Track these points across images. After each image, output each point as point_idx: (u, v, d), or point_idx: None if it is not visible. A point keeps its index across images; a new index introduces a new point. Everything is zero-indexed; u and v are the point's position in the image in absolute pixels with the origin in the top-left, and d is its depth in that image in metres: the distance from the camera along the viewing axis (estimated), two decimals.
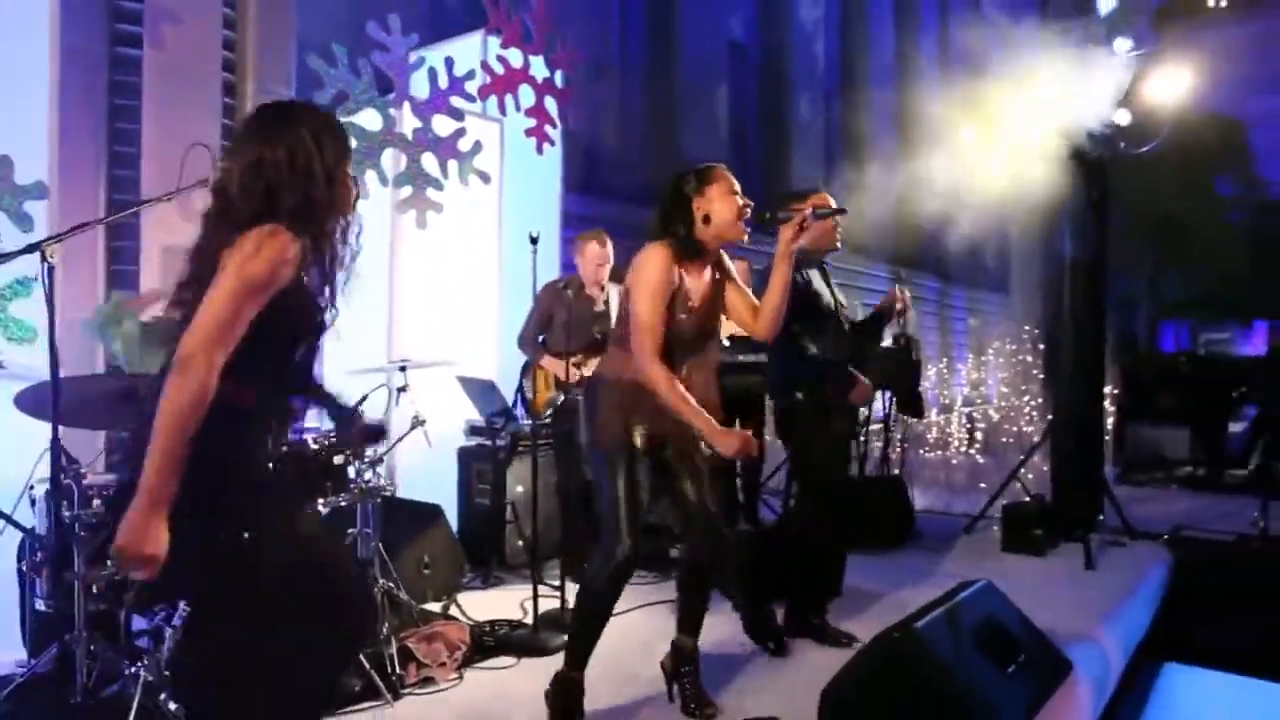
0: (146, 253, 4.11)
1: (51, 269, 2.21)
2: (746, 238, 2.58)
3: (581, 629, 2.54)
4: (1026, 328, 8.92)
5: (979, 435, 8.70)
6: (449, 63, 4.79)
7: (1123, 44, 5.82)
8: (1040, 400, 8.53)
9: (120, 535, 1.52)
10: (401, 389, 3.25)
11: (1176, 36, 6.08)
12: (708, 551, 2.63)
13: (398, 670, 2.83)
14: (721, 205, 2.53)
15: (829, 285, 3.31)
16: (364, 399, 2.99)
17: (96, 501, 2.50)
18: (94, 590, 2.50)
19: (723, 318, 2.68)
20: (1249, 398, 12.71)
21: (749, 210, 2.56)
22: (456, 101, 4.81)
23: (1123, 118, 5.21)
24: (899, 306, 3.49)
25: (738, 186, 2.58)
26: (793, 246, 2.53)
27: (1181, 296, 17.96)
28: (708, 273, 2.59)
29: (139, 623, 2.57)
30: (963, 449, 8.57)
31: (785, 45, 15.46)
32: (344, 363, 3.38)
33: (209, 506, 1.61)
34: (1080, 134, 5.23)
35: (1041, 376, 8.47)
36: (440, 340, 4.58)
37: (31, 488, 2.69)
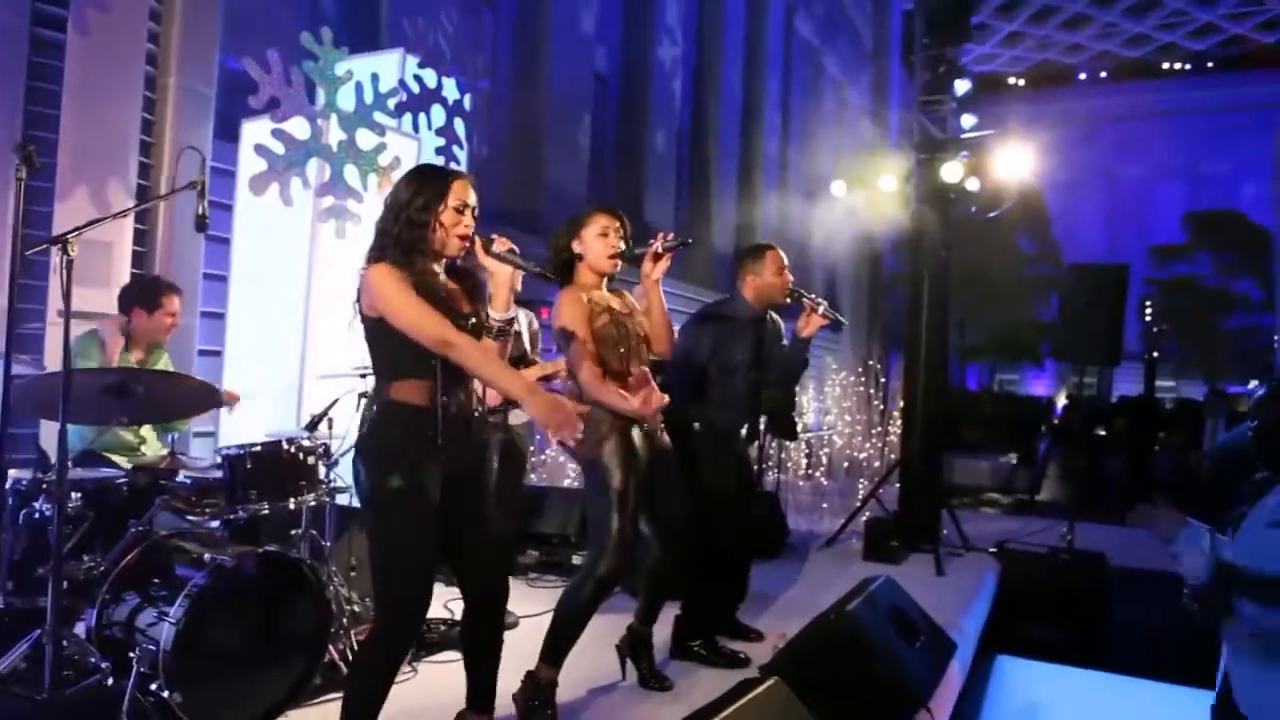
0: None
1: (71, 262, 2.24)
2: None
3: (564, 632, 2.73)
4: (868, 362, 9.76)
5: (823, 460, 9.44)
6: (375, 78, 4.89)
7: (969, 120, 6.68)
8: (878, 428, 9.38)
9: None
10: (363, 394, 3.36)
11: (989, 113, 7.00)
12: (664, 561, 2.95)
13: None
14: (593, 248, 2.85)
15: (760, 339, 3.61)
16: (334, 404, 3.11)
17: (77, 495, 2.50)
18: (66, 585, 2.50)
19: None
20: (1042, 433, 14.39)
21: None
22: (379, 116, 4.91)
23: (973, 184, 6.00)
24: (810, 320, 3.81)
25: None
26: (650, 277, 2.85)
27: (982, 340, 19.96)
28: (616, 301, 2.98)
29: (115, 615, 2.58)
30: (810, 473, 9.28)
31: (645, 80, 16.04)
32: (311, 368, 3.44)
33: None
34: (935, 196, 5.98)
35: (881, 407, 9.32)
36: (352, 347, 4.65)
37: None
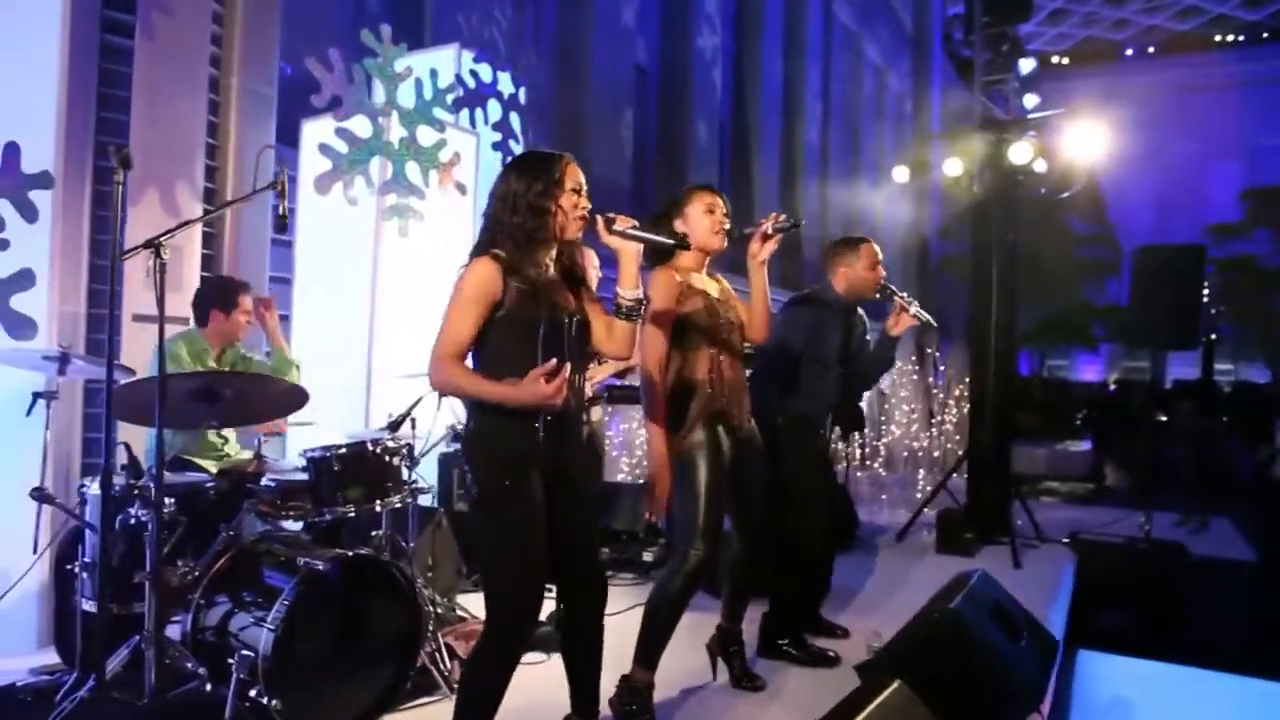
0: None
1: (164, 265, 2.23)
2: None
3: (656, 632, 2.68)
4: (925, 350, 9.59)
5: (880, 451, 9.31)
6: (433, 74, 4.86)
7: (1032, 100, 6.49)
8: (937, 418, 9.21)
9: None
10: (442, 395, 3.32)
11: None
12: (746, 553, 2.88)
13: (447, 665, 2.92)
14: (701, 223, 2.79)
15: (850, 331, 3.54)
16: (416, 403, 3.07)
17: (170, 500, 2.49)
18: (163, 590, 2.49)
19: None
20: (1092, 420, 14.06)
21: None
22: (438, 112, 4.88)
23: (1039, 166, 5.82)
24: (900, 319, 3.68)
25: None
26: (757, 259, 2.74)
27: (1034, 325, 19.57)
28: (712, 284, 2.91)
29: (209, 620, 2.57)
30: (868, 463, 9.15)
31: (685, 71, 15.93)
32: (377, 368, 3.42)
33: None
34: (1002, 178, 5.81)
35: (940, 396, 9.15)
36: (419, 348, 4.63)
37: (84, 486, 2.64)
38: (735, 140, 17.67)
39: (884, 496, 8.28)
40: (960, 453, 6.98)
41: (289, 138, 4.93)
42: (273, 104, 4.59)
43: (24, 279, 3.30)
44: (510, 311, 2.04)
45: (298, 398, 2.80)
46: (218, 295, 3.40)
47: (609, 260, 2.34)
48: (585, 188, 2.16)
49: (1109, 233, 21.69)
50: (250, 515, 2.73)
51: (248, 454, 3.12)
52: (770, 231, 2.72)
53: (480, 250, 2.09)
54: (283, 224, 2.71)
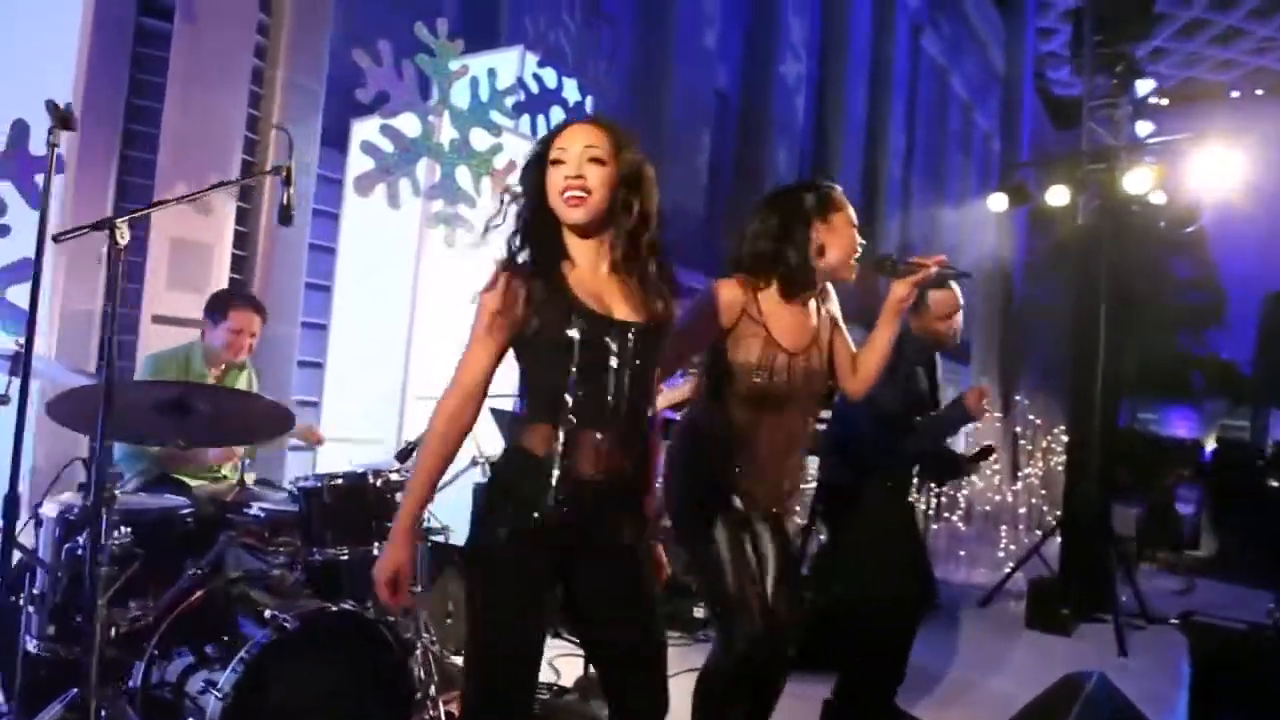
0: (156, 245, 3.71)
1: (120, 251, 1.86)
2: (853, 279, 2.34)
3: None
4: (1013, 397, 8.90)
5: (960, 503, 8.61)
6: (492, 75, 4.52)
7: (1145, 126, 5.87)
8: (1024, 471, 8.50)
9: None
10: None
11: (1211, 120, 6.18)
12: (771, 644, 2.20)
13: None
14: (843, 239, 2.25)
15: (933, 379, 3.06)
16: None
17: (124, 529, 2.11)
18: (112, 634, 2.11)
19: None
20: (1191, 479, 13.00)
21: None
22: (495, 116, 4.54)
23: (1157, 197, 5.20)
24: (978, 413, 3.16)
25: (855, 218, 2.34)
26: (904, 305, 2.24)
27: (1130, 374, 18.43)
28: (813, 310, 2.29)
29: (166, 674, 2.18)
30: (945, 516, 8.47)
31: (767, 97, 15.57)
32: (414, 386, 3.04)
33: None
34: (1113, 210, 5.21)
35: (1028, 447, 8.44)
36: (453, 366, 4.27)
37: (38, 507, 2.28)
38: (815, 170, 17.22)
39: (962, 553, 7.60)
40: (1048, 509, 6.30)
41: (340, 141, 4.65)
42: (319, 99, 4.30)
43: (23, 269, 3.01)
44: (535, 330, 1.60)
45: (281, 420, 2.41)
46: (212, 301, 3.05)
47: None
48: (585, 152, 1.62)
49: (1212, 274, 20.37)
50: (234, 548, 2.34)
51: (249, 476, 2.74)
52: (935, 274, 2.22)
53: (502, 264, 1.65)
54: (286, 216, 2.34)
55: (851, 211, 2.29)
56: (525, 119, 4.93)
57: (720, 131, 14.82)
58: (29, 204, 3.02)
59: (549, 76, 5.12)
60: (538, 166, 1.66)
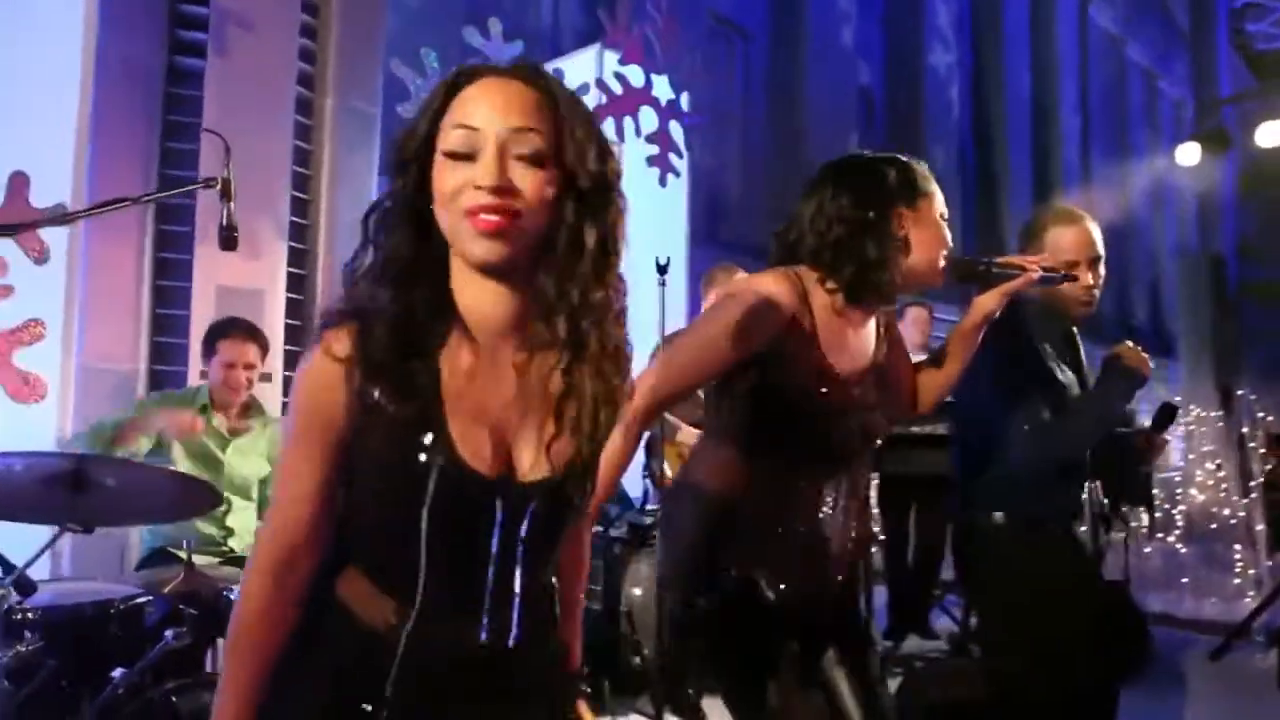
0: (200, 295, 3.46)
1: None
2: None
3: None
4: (1235, 393, 7.53)
5: (1176, 519, 7.31)
6: (559, 75, 4.07)
7: None
8: (1257, 479, 7.10)
9: None
10: None
11: None
12: None
13: None
14: (931, 233, 1.58)
15: (1076, 362, 2.26)
16: None
17: (29, 634, 1.71)
18: None
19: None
20: None
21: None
22: None
23: None
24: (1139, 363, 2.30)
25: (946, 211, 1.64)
26: (988, 319, 1.66)
27: None
28: (871, 330, 1.63)
29: None
30: (1158, 535, 7.21)
31: (916, 91, 14.68)
32: None
33: None
34: None
35: (1262, 451, 7.05)
36: None
37: None
38: (979, 165, 16.01)
39: (1184, 580, 6.35)
40: None
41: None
42: (375, 123, 3.99)
43: (31, 331, 2.79)
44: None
45: (210, 498, 1.96)
46: (205, 335, 2.74)
47: None
48: (520, 140, 0.92)
49: None
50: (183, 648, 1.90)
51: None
52: (1036, 278, 1.66)
53: None
54: (229, 240, 1.93)
55: (941, 199, 1.63)
56: (609, 123, 4.47)
57: (868, 131, 13.99)
58: (28, 257, 2.80)
59: (634, 74, 4.64)
60: (418, 150, 0.96)
